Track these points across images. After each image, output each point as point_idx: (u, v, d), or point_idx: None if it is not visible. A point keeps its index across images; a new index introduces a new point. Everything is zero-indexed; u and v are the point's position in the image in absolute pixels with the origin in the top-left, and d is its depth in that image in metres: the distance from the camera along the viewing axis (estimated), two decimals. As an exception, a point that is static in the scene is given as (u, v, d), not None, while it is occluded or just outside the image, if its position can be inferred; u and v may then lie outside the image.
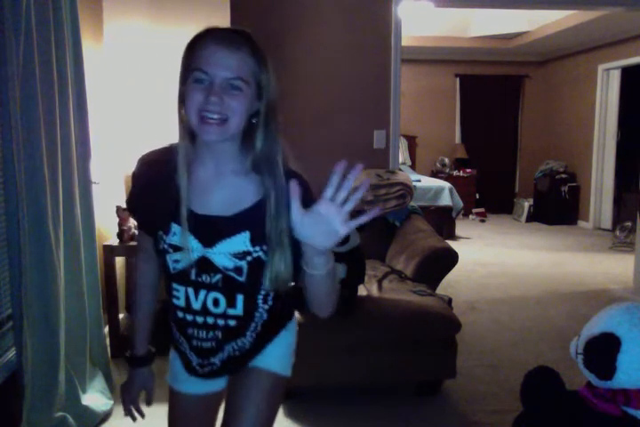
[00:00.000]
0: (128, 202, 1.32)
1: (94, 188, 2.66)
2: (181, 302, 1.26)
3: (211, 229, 1.19)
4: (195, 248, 1.20)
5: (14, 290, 2.01)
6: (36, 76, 2.05)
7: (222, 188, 1.21)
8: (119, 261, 3.26)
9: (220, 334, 1.27)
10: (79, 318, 2.42)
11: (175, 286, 1.26)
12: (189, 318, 1.26)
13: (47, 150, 2.13)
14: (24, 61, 1.98)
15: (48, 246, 2.12)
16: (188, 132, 1.18)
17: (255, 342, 1.31)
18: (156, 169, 1.23)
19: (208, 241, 1.20)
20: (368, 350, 2.56)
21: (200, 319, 1.26)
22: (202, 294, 1.23)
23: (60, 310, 2.21)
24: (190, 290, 1.24)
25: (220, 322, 1.26)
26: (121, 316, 3.19)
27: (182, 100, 1.15)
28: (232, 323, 1.26)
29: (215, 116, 1.10)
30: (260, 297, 1.27)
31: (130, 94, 3.23)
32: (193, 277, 1.22)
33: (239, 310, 1.25)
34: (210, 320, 1.25)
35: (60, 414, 2.19)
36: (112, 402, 2.52)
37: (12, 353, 2.11)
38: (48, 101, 2.15)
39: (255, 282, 1.21)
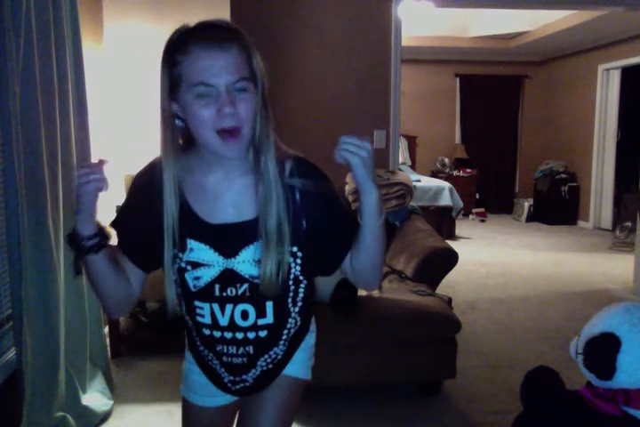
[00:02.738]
0: (116, 222, 1.21)
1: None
2: (207, 320, 1.20)
3: (230, 238, 1.14)
4: (216, 262, 1.14)
5: (14, 290, 2.01)
6: (36, 75, 2.05)
7: (234, 191, 1.15)
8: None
9: (251, 349, 1.22)
10: (79, 318, 2.42)
11: (198, 303, 1.19)
12: (217, 334, 1.20)
13: (47, 150, 2.13)
14: (24, 61, 1.98)
15: (48, 246, 2.12)
16: (178, 146, 1.12)
17: (287, 350, 1.27)
18: (146, 190, 1.15)
19: (230, 251, 1.14)
20: (368, 350, 2.56)
21: (229, 335, 1.20)
22: (228, 308, 1.17)
23: (60, 310, 2.21)
24: (215, 306, 1.18)
25: (251, 335, 1.20)
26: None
27: (168, 115, 1.09)
28: (263, 334, 1.21)
29: (233, 126, 1.05)
30: (289, 300, 1.22)
31: (130, 94, 3.23)
32: (217, 292, 1.16)
33: (269, 318, 1.19)
34: (239, 335, 1.20)
35: (60, 414, 2.19)
36: (112, 402, 2.52)
37: (12, 353, 2.12)
38: (48, 101, 2.15)
39: (283, 285, 1.16)
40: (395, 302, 2.65)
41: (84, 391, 2.42)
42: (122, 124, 3.21)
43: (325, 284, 2.52)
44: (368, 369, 2.57)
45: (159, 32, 3.38)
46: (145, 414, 2.51)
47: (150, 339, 3.18)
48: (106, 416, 2.45)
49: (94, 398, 2.46)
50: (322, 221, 1.16)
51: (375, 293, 2.79)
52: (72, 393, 2.31)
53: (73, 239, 1.08)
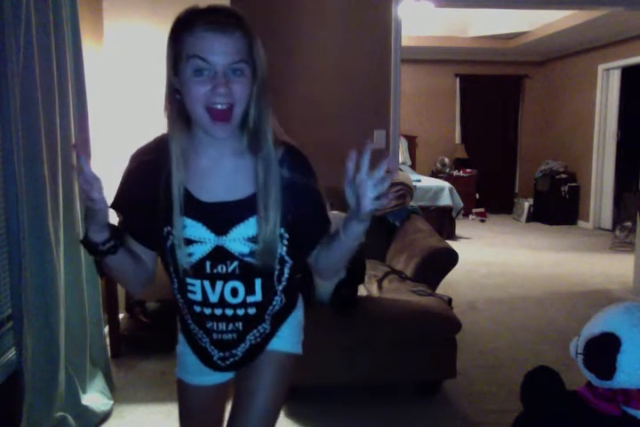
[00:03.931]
0: (116, 202, 1.25)
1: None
2: (198, 297, 1.24)
3: (222, 216, 1.18)
4: (208, 239, 1.18)
5: (14, 290, 2.01)
6: (36, 75, 2.05)
7: (225, 171, 1.20)
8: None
9: (240, 326, 1.26)
10: (79, 318, 2.42)
11: (189, 280, 1.23)
12: (207, 311, 1.25)
13: (47, 150, 2.13)
14: (24, 61, 1.98)
15: (48, 246, 2.12)
16: (183, 121, 1.16)
17: (273, 325, 1.31)
18: (150, 166, 1.20)
19: (221, 229, 1.18)
20: (368, 349, 2.56)
21: (219, 312, 1.24)
22: (218, 285, 1.22)
23: (60, 310, 2.21)
24: (206, 283, 1.22)
25: (240, 312, 1.24)
26: (121, 316, 3.19)
27: (173, 89, 1.14)
28: (252, 311, 1.25)
29: (224, 107, 1.09)
30: (275, 279, 1.26)
31: (130, 94, 3.23)
32: (208, 269, 1.21)
33: (258, 295, 1.24)
34: (229, 312, 1.24)
35: (60, 414, 2.19)
36: (112, 402, 2.52)
37: (12, 353, 2.11)
38: (48, 101, 2.15)
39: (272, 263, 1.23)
40: (395, 302, 2.65)
41: (84, 391, 2.42)
42: (122, 124, 3.21)
43: (325, 284, 2.52)
44: (368, 369, 2.57)
45: (159, 32, 3.37)
46: (145, 414, 2.51)
47: (150, 339, 3.17)
48: (106, 416, 2.45)
49: (94, 398, 2.46)
50: (301, 211, 1.21)
51: (375, 293, 2.79)
52: (72, 393, 2.31)
53: (88, 245, 1.13)
